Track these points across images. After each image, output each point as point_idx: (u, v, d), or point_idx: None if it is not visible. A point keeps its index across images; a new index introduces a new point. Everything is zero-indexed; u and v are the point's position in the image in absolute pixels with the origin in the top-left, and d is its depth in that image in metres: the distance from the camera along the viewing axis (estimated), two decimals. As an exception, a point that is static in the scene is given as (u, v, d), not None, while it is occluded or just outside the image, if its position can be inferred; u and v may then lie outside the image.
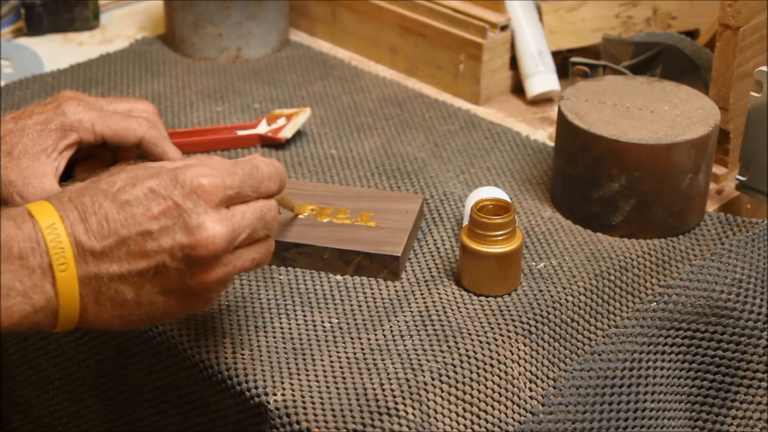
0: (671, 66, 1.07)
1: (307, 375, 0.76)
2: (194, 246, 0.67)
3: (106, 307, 0.68)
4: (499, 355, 0.78)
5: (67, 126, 0.88)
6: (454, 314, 0.82)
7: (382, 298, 0.84)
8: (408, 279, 0.86)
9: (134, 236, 0.67)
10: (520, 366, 0.79)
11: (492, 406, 0.76)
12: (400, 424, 0.73)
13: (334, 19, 1.24)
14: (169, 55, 1.21)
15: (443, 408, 0.75)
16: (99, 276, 0.67)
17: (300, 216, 0.89)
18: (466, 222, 0.87)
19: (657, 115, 0.91)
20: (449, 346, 0.79)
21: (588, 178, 0.90)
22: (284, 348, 0.79)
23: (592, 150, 0.88)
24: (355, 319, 0.82)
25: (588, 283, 0.85)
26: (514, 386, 0.77)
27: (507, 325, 0.81)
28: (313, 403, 0.74)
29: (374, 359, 0.78)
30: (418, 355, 0.78)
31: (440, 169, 1.00)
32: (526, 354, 0.79)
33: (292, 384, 0.76)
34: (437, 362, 0.77)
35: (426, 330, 0.80)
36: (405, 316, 0.82)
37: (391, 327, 0.81)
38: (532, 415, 0.77)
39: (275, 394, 0.75)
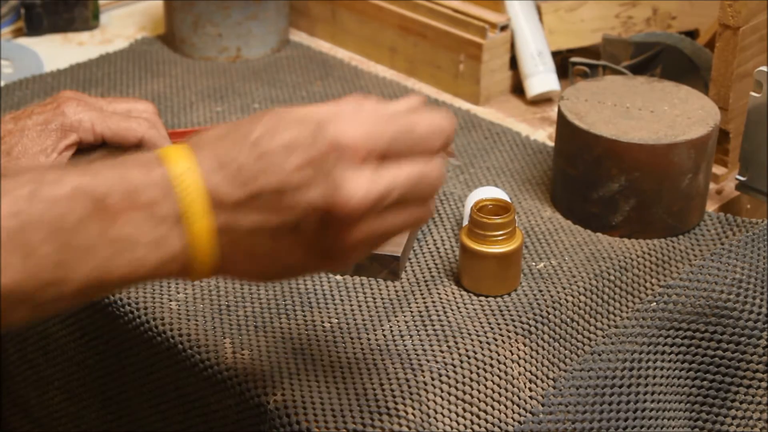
0: (671, 66, 1.07)
1: (307, 375, 0.76)
2: (332, 205, 0.61)
3: (241, 259, 0.63)
4: (499, 355, 0.78)
5: (66, 126, 0.88)
6: (454, 314, 0.82)
7: (382, 298, 0.84)
8: (408, 279, 0.86)
9: (272, 188, 0.61)
10: (520, 366, 0.79)
11: (492, 406, 0.76)
12: (400, 424, 0.73)
13: (334, 19, 1.24)
14: (169, 55, 1.21)
15: (443, 408, 0.75)
16: (233, 228, 0.62)
17: None
18: (466, 222, 0.87)
19: (657, 115, 0.91)
20: (449, 346, 0.79)
21: (588, 178, 0.90)
22: (284, 348, 0.79)
23: (592, 150, 0.88)
24: (355, 319, 0.82)
25: (588, 283, 0.85)
26: (514, 386, 0.77)
27: (507, 325, 0.81)
28: (313, 403, 0.74)
29: (374, 359, 0.78)
30: (418, 355, 0.78)
31: (440, 169, 1.00)
32: (526, 354, 0.79)
33: (292, 384, 0.76)
34: (437, 362, 0.77)
35: (426, 330, 0.80)
36: (405, 316, 0.82)
37: (391, 327, 0.81)
38: (532, 415, 0.77)
39: (275, 394, 0.75)
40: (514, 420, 0.76)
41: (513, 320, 0.81)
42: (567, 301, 0.84)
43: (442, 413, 0.75)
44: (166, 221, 0.61)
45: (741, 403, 0.88)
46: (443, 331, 0.80)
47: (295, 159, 0.62)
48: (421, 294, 0.84)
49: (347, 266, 0.66)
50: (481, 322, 0.81)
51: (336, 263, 0.65)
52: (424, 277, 0.86)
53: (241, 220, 0.62)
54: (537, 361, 0.80)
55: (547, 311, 0.83)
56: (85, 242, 0.58)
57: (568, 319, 0.83)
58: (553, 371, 0.80)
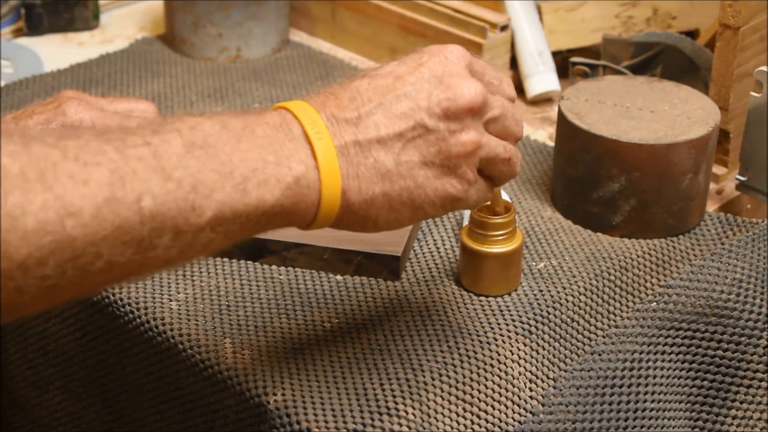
0: (671, 66, 1.07)
1: (307, 375, 0.76)
2: (451, 97, 0.65)
3: (366, 179, 0.65)
4: (499, 355, 0.78)
5: (67, 126, 0.88)
6: (454, 314, 0.82)
7: (382, 298, 0.84)
8: (408, 279, 0.86)
9: (389, 99, 0.65)
10: (520, 366, 0.79)
11: (492, 406, 0.76)
12: (400, 424, 0.73)
13: (334, 19, 1.24)
14: (169, 55, 1.21)
15: (443, 408, 0.75)
16: (357, 142, 0.64)
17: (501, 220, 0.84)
18: (466, 222, 0.87)
19: (657, 115, 0.91)
20: (449, 346, 0.79)
21: (588, 178, 0.90)
22: (284, 348, 0.79)
23: (592, 150, 0.88)
24: (355, 319, 0.82)
25: (588, 283, 0.85)
26: (514, 386, 0.77)
27: (507, 325, 0.81)
28: (313, 403, 0.74)
29: (374, 359, 0.78)
30: (418, 355, 0.78)
31: (440, 169, 1.00)
32: (526, 354, 0.79)
33: (292, 384, 0.76)
34: (437, 362, 0.77)
35: (426, 330, 0.80)
36: (405, 316, 0.82)
37: (391, 327, 0.81)
38: (532, 415, 0.77)
39: (275, 394, 0.75)
40: (514, 420, 0.76)
41: (513, 320, 0.81)
42: (567, 301, 0.84)
43: (442, 413, 0.75)
44: (288, 143, 0.62)
45: (741, 403, 0.88)
46: (443, 331, 0.80)
47: (406, 71, 0.66)
48: (422, 294, 0.84)
49: (462, 192, 0.67)
50: (481, 322, 0.81)
51: (454, 181, 0.67)
52: (424, 277, 0.86)
53: (363, 134, 0.64)
54: (537, 361, 0.80)
55: (547, 311, 0.83)
56: (216, 166, 0.59)
57: (569, 319, 0.83)
58: (553, 371, 0.80)
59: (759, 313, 0.87)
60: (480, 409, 0.76)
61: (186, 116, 0.61)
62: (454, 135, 0.66)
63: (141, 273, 0.58)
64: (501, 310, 0.82)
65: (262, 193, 0.60)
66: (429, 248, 0.89)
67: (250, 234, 0.62)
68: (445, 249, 0.89)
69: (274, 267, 0.87)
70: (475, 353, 0.78)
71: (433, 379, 0.76)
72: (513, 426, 0.76)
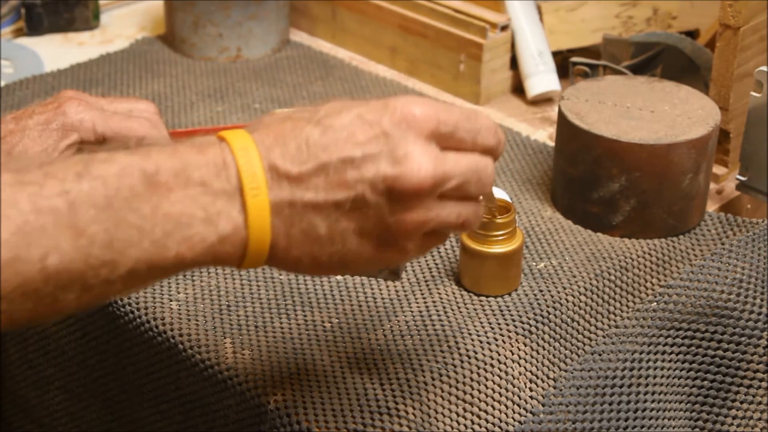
0: (671, 66, 1.07)
1: (307, 375, 0.76)
2: (398, 177, 0.60)
3: (297, 241, 0.61)
4: (499, 355, 0.78)
5: (68, 126, 0.88)
6: (454, 314, 0.82)
7: (382, 298, 0.84)
8: (408, 279, 0.86)
9: (335, 162, 0.60)
10: (520, 366, 0.79)
11: (492, 406, 0.76)
12: (401, 424, 0.73)
13: (334, 19, 1.24)
14: (169, 55, 1.21)
15: (443, 408, 0.75)
16: (293, 203, 0.60)
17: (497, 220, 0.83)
18: (466, 222, 0.87)
19: (657, 115, 0.91)
20: (449, 346, 0.79)
21: (588, 178, 0.90)
22: (284, 348, 0.79)
23: (592, 150, 0.88)
24: (355, 319, 0.82)
25: (588, 283, 0.85)
26: (514, 386, 0.77)
27: (507, 325, 0.81)
28: (313, 403, 0.74)
29: (374, 359, 0.78)
30: (418, 355, 0.78)
31: (440, 169, 1.00)
32: (526, 354, 0.79)
33: (292, 384, 0.76)
34: (437, 362, 0.77)
35: (426, 330, 0.80)
36: (405, 316, 0.82)
37: (391, 327, 0.81)
38: (532, 415, 0.77)
39: (275, 394, 0.75)
40: (514, 420, 0.76)
41: (513, 320, 0.81)
42: (567, 301, 0.84)
43: (442, 413, 0.75)
44: (221, 196, 0.59)
45: (741, 403, 0.88)
46: (443, 331, 0.80)
47: (362, 132, 0.61)
48: (422, 294, 0.84)
49: (403, 260, 0.64)
50: (481, 322, 0.81)
51: (393, 253, 0.64)
52: (424, 277, 0.86)
53: (301, 195, 0.61)
54: (537, 361, 0.80)
55: (547, 311, 0.83)
56: (137, 220, 0.57)
57: (569, 319, 0.83)
58: (553, 371, 0.80)
59: (759, 313, 0.87)
60: (480, 409, 0.76)
61: (119, 156, 0.58)
62: (395, 214, 0.62)
63: (46, 318, 0.57)
64: (501, 310, 0.82)
65: (183, 250, 0.58)
66: (429, 248, 0.89)
67: (166, 277, 0.61)
68: (445, 249, 0.89)
69: (274, 269, 0.87)
70: (475, 353, 0.78)
71: (433, 379, 0.76)
72: (513, 426, 0.76)
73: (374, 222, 0.62)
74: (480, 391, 0.76)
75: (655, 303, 0.85)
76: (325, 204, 0.61)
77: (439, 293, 0.84)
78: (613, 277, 0.87)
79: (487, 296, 0.84)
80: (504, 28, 1.12)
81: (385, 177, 0.60)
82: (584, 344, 0.82)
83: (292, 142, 0.61)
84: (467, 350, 0.78)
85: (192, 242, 0.58)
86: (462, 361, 0.77)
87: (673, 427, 0.85)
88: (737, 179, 0.96)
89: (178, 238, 0.58)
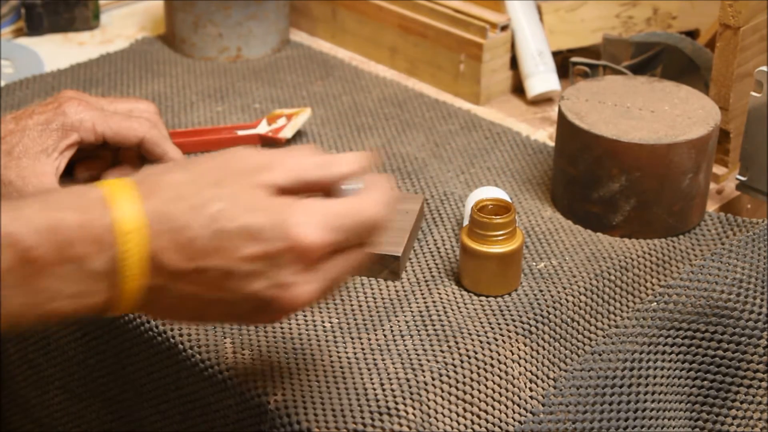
0: (671, 66, 1.07)
1: (307, 375, 0.76)
2: (276, 300, 0.62)
3: (161, 311, 0.64)
4: (499, 355, 0.78)
5: (68, 126, 0.88)
6: (454, 314, 0.82)
7: (382, 298, 0.84)
8: (408, 279, 0.86)
9: (217, 270, 0.61)
10: (520, 366, 0.79)
11: (492, 406, 0.76)
12: (401, 424, 0.73)
13: (334, 19, 1.24)
14: (169, 55, 1.21)
15: (443, 408, 0.75)
16: (167, 289, 0.61)
17: None
18: (466, 222, 0.87)
19: (657, 115, 0.91)
20: (449, 346, 0.79)
21: (588, 178, 0.90)
22: (284, 348, 0.79)
23: (593, 150, 0.88)
24: (355, 319, 0.82)
25: (588, 283, 0.85)
26: (514, 386, 0.77)
27: (507, 325, 0.81)
28: (313, 403, 0.74)
29: (374, 359, 0.78)
30: (418, 355, 0.78)
31: (440, 169, 1.00)
32: (526, 354, 0.79)
33: (292, 384, 0.76)
34: (437, 362, 0.77)
35: (426, 330, 0.80)
36: (405, 316, 0.82)
37: (391, 327, 0.81)
38: (532, 415, 0.77)
39: (275, 394, 0.75)
40: (514, 420, 0.76)
41: (513, 320, 0.81)
42: (567, 301, 0.84)
43: (442, 413, 0.75)
44: (94, 276, 0.59)
45: (741, 403, 0.88)
46: (443, 331, 0.80)
47: (251, 248, 0.61)
48: (422, 294, 0.84)
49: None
50: (481, 322, 0.81)
51: (249, 325, 0.68)
52: (424, 277, 0.86)
53: (176, 286, 0.61)
54: (537, 361, 0.80)
55: (547, 311, 0.83)
56: (5, 290, 0.58)
57: (569, 319, 0.83)
58: (553, 371, 0.80)
59: (759, 313, 0.87)
60: (480, 409, 0.76)
61: (9, 233, 0.58)
62: (264, 319, 0.65)
63: None
64: (501, 310, 0.82)
65: (50, 317, 0.60)
66: (429, 248, 0.89)
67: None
68: (445, 249, 0.89)
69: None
70: (475, 353, 0.78)
71: (433, 379, 0.76)
72: (513, 426, 0.76)
73: (241, 315, 0.64)
74: (480, 391, 0.76)
75: (655, 303, 0.85)
76: (197, 296, 0.62)
77: (439, 293, 0.84)
78: (613, 277, 0.86)
79: (487, 296, 0.84)
80: (504, 28, 1.12)
81: (263, 297, 0.62)
82: (584, 344, 0.82)
83: (180, 234, 0.60)
84: (467, 350, 0.78)
85: (54, 313, 0.60)
86: (462, 361, 0.77)
87: (673, 427, 0.85)
88: (737, 179, 0.96)
89: (42, 309, 0.59)
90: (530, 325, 0.81)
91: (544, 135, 1.08)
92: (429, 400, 0.75)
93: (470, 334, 0.80)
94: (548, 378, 0.79)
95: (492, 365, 0.78)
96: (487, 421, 0.75)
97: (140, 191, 0.60)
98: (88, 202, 0.60)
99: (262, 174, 0.63)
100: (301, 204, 0.63)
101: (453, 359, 0.77)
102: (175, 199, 0.61)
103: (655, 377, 0.84)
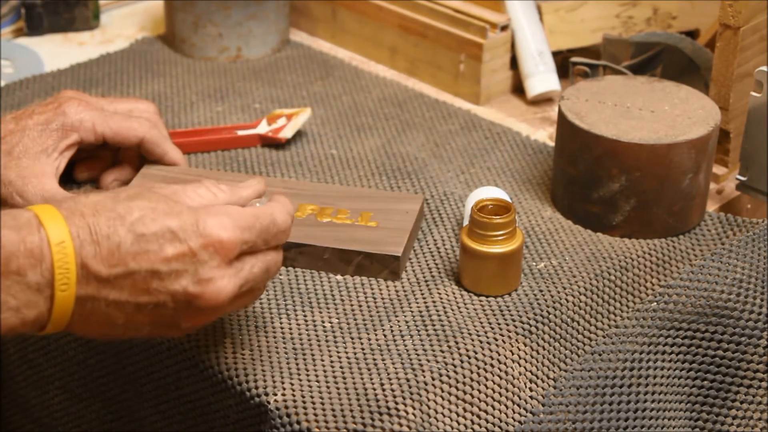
0: (671, 66, 1.07)
1: (308, 375, 0.76)
2: (199, 296, 0.67)
3: (93, 325, 0.68)
4: (499, 355, 0.78)
5: (67, 126, 0.88)
6: (454, 314, 0.82)
7: (383, 298, 0.84)
8: (408, 279, 0.86)
9: (143, 272, 0.66)
10: (520, 366, 0.79)
11: (492, 406, 0.76)
12: (401, 424, 0.73)
13: (334, 19, 1.24)
14: (169, 55, 1.21)
15: (443, 408, 0.75)
16: (97, 299, 0.66)
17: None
18: (466, 222, 0.87)
19: (657, 115, 0.91)
20: (449, 346, 0.79)
21: (588, 178, 0.90)
22: (284, 348, 0.79)
23: (593, 150, 0.88)
24: (355, 319, 0.82)
25: (588, 283, 0.85)
26: (514, 386, 0.77)
27: (507, 325, 0.81)
28: (313, 403, 0.74)
29: (374, 359, 0.78)
30: (418, 355, 0.78)
31: (440, 169, 1.00)
32: (526, 354, 0.79)
33: (292, 384, 0.76)
34: (437, 362, 0.77)
35: (426, 330, 0.80)
36: (405, 316, 0.82)
37: (391, 327, 0.81)
38: (532, 415, 0.77)
39: (275, 394, 0.75)
40: (514, 420, 0.76)
41: (513, 320, 0.81)
42: (567, 301, 0.84)
43: (442, 413, 0.75)
44: (33, 288, 0.64)
45: (741, 403, 0.88)
46: (443, 331, 0.80)
47: (172, 248, 0.66)
48: (422, 294, 0.84)
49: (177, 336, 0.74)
50: (481, 322, 0.81)
51: (177, 334, 0.71)
52: (424, 277, 0.86)
53: (106, 294, 0.66)
54: (537, 361, 0.80)
55: (547, 311, 0.83)
56: None
57: (569, 319, 0.83)
58: (553, 371, 0.80)
59: (759, 313, 0.87)
60: (480, 409, 0.76)
61: None
62: (189, 319, 0.69)
63: None
64: (501, 310, 0.82)
65: None
66: (429, 248, 0.89)
67: None
68: (445, 249, 0.89)
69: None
70: (475, 353, 0.78)
71: (433, 379, 0.76)
72: (513, 426, 0.76)
73: (168, 319, 0.69)
74: (480, 391, 0.76)
75: (655, 303, 0.85)
76: (127, 303, 0.67)
77: (439, 293, 0.84)
78: (613, 277, 0.87)
79: (487, 296, 0.84)
80: (504, 28, 1.12)
81: (187, 293, 0.67)
82: (584, 344, 0.82)
83: (105, 242, 0.65)
84: (467, 350, 0.78)
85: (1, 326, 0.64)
86: (462, 361, 0.77)
87: (673, 427, 0.85)
88: (737, 179, 0.96)
89: None
90: (530, 325, 0.81)
91: (544, 135, 1.08)
92: (429, 400, 0.75)
93: (470, 334, 0.80)
94: (548, 378, 0.79)
95: (492, 365, 0.78)
96: (487, 421, 0.75)
97: (62, 212, 0.66)
98: (21, 222, 0.65)
99: (177, 194, 0.69)
100: (216, 207, 0.69)
101: (453, 359, 0.77)
102: (95, 214, 0.66)
103: (655, 377, 0.84)
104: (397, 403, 0.74)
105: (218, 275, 0.67)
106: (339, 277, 0.86)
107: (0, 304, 0.63)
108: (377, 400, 0.74)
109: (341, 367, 0.77)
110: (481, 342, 0.79)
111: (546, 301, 0.83)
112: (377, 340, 0.80)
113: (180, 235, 0.67)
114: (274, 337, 0.80)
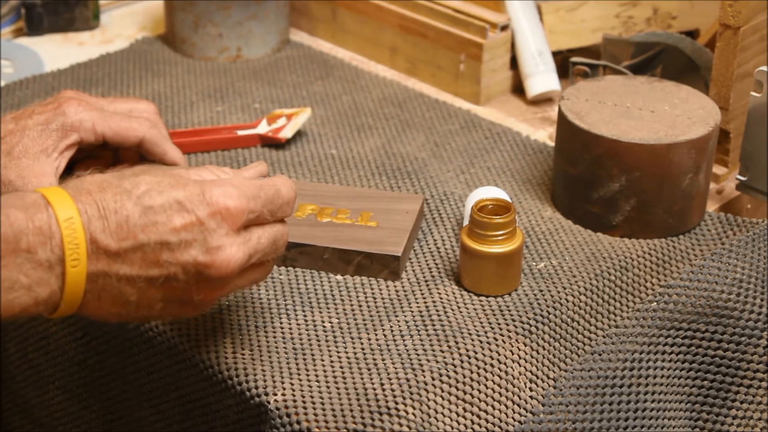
0: (671, 66, 1.07)
1: (308, 375, 0.76)
2: (210, 266, 0.67)
3: (106, 303, 0.68)
4: (499, 355, 0.78)
5: (67, 126, 0.88)
6: (454, 314, 0.82)
7: (383, 298, 0.84)
8: (408, 279, 0.86)
9: (152, 244, 0.66)
10: (520, 366, 0.79)
11: (492, 406, 0.76)
12: (401, 424, 0.73)
13: (334, 19, 1.24)
14: (170, 55, 1.21)
15: (443, 408, 0.75)
16: (108, 274, 0.66)
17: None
18: (466, 222, 0.87)
19: (657, 115, 0.91)
20: (449, 346, 0.79)
21: (588, 178, 0.90)
22: (284, 348, 0.79)
23: (593, 150, 0.88)
24: (355, 319, 0.82)
25: (588, 283, 0.85)
26: (514, 386, 0.77)
27: (507, 325, 0.81)
28: (313, 403, 0.74)
29: (374, 359, 0.78)
30: (418, 355, 0.78)
31: (440, 169, 1.00)
32: (526, 354, 0.79)
33: (292, 384, 0.76)
34: (437, 362, 0.77)
35: (426, 330, 0.80)
36: (405, 316, 0.82)
37: (391, 327, 0.81)
38: (532, 415, 0.77)
39: (275, 394, 0.75)
40: (514, 420, 0.76)
41: (513, 320, 0.81)
42: (567, 301, 0.84)
43: (442, 413, 0.75)
44: (44, 265, 0.64)
45: (741, 402, 0.88)
46: (443, 331, 0.80)
47: (179, 219, 0.67)
48: (422, 294, 0.84)
49: (197, 314, 0.73)
50: (481, 322, 0.81)
51: (192, 312, 0.71)
52: (424, 277, 0.86)
53: (117, 269, 0.66)
54: (537, 361, 0.80)
55: (547, 311, 0.83)
56: None
57: (569, 319, 0.83)
58: (553, 371, 0.80)
59: (759, 313, 0.87)
60: (480, 409, 0.76)
61: None
62: (200, 292, 0.69)
63: None
64: (501, 310, 0.82)
65: (5, 309, 0.64)
66: (429, 248, 0.89)
67: None
68: (445, 249, 0.89)
69: (274, 267, 0.87)
70: (475, 353, 0.78)
71: (433, 379, 0.76)
72: (513, 426, 0.76)
73: (180, 294, 0.69)
74: (480, 391, 0.76)
75: (655, 303, 0.85)
76: (138, 278, 0.67)
77: (439, 293, 0.84)
78: (613, 277, 0.87)
79: (487, 296, 0.84)
80: (504, 28, 1.12)
81: (197, 263, 0.67)
82: (584, 344, 0.82)
83: (113, 216, 0.66)
84: (467, 350, 0.78)
85: (10, 305, 0.64)
86: (462, 361, 0.77)
87: (673, 427, 0.85)
88: (737, 179, 0.96)
89: (2, 300, 0.63)
90: (530, 325, 0.81)
91: (544, 135, 1.08)
92: (429, 400, 0.75)
93: (470, 334, 0.80)
94: (548, 378, 0.79)
95: (492, 365, 0.78)
96: (487, 421, 0.75)
97: (68, 191, 0.66)
98: (28, 202, 0.65)
99: (181, 172, 0.70)
100: (220, 179, 0.70)
101: (453, 359, 0.77)
102: (101, 190, 0.67)
103: (655, 377, 0.84)
104: (397, 403, 0.74)
105: (227, 243, 0.68)
106: (339, 277, 0.86)
107: (3, 283, 0.63)
108: (377, 400, 0.74)
109: (341, 367, 0.77)
110: (481, 342, 0.79)
111: (546, 301, 0.83)
112: (377, 340, 0.80)
113: (187, 206, 0.67)
114: (274, 337, 0.80)
